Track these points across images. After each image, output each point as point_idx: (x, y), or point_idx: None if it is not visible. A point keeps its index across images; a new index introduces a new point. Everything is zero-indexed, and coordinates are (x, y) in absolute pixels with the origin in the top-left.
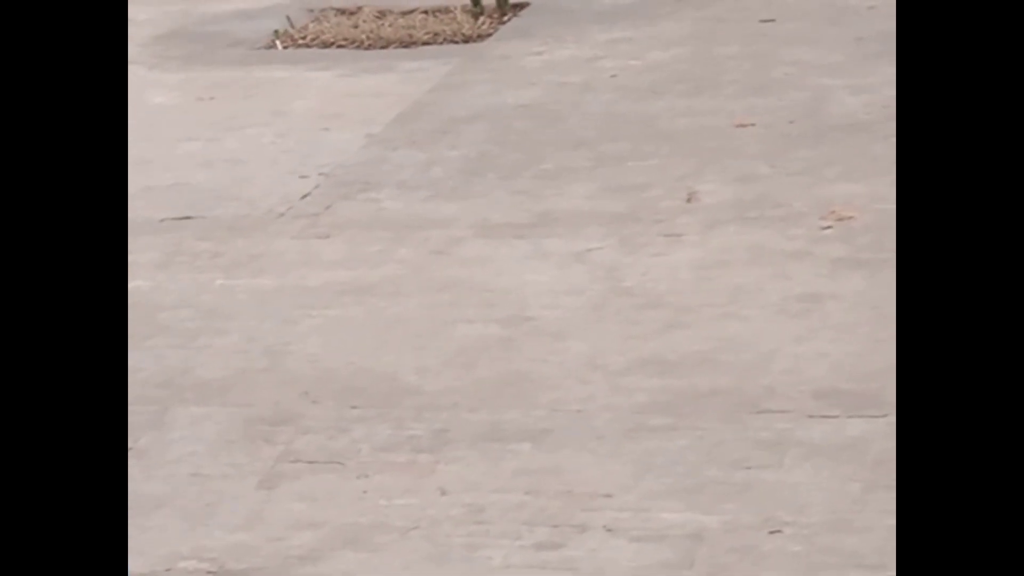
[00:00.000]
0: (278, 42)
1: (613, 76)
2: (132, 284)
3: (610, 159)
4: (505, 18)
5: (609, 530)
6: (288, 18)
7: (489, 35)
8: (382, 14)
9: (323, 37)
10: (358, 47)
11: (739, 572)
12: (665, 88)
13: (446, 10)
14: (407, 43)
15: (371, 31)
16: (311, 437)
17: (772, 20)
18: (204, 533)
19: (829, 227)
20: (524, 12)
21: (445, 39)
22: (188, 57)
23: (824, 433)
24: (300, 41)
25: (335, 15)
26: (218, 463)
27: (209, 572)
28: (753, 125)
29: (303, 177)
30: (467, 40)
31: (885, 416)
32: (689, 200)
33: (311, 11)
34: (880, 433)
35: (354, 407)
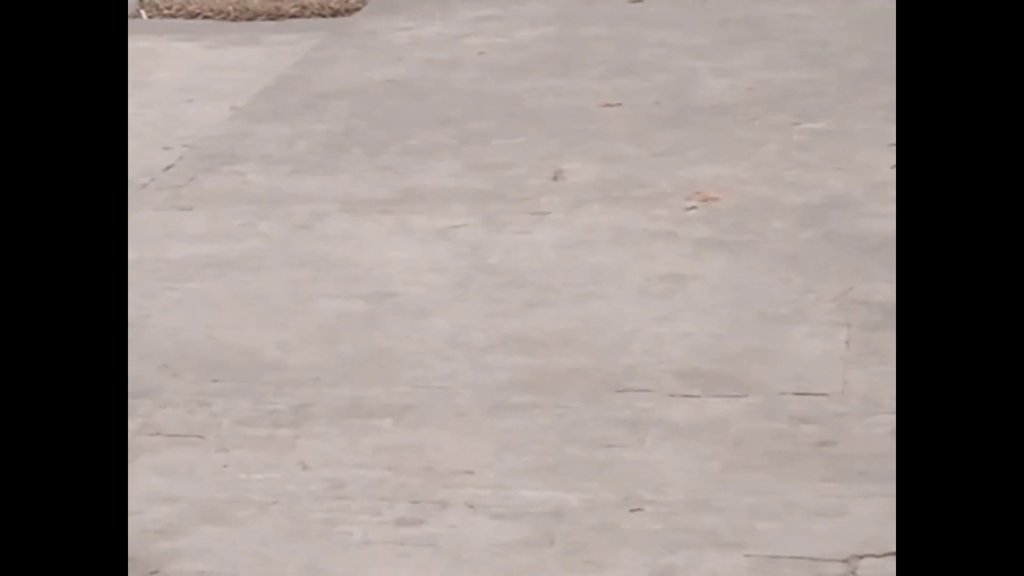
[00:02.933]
0: (143, 11)
1: (480, 54)
2: None
3: (476, 137)
4: None
5: (470, 507)
6: None
7: (357, 9)
8: None
9: (189, 8)
10: (224, 19)
11: (599, 549)
12: (532, 67)
13: None
14: (274, 16)
15: (238, 3)
16: (170, 411)
17: (639, 2)
18: None
19: (693, 208)
20: None
21: (313, 12)
22: None
23: (685, 413)
24: (165, 11)
25: None
26: None
27: None
28: (619, 105)
29: (166, 149)
30: (335, 14)
31: (745, 396)
32: (555, 179)
33: None
34: (740, 413)
35: (215, 381)
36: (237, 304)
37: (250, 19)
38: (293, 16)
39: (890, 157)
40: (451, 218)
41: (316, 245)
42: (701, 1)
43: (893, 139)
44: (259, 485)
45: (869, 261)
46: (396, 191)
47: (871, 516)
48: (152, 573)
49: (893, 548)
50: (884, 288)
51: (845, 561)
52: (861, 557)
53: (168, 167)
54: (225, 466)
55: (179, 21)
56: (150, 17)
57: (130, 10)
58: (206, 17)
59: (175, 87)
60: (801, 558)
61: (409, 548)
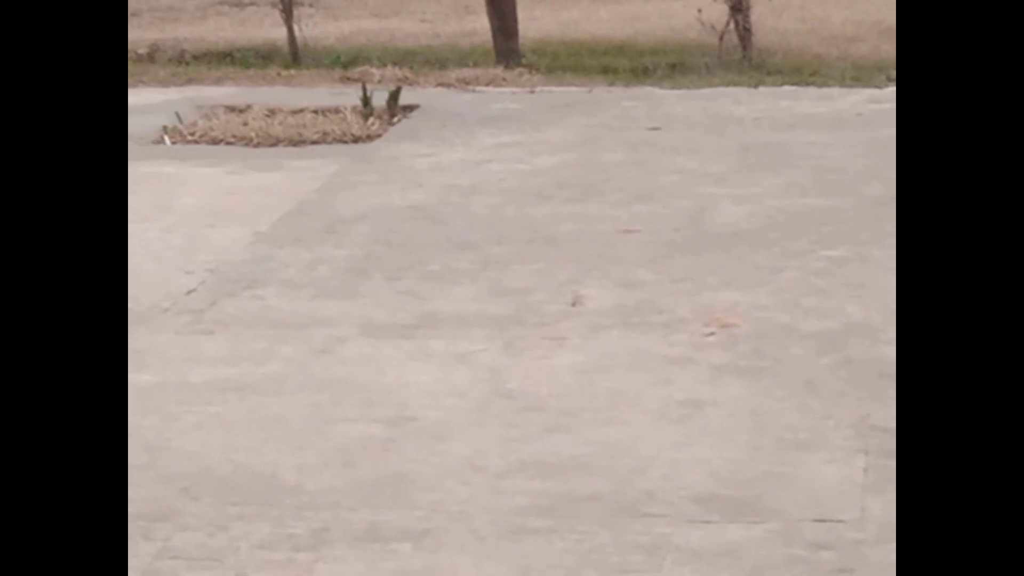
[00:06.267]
0: (166, 137)
1: (500, 180)
2: None
3: (495, 262)
4: (395, 119)
5: None
6: (177, 114)
7: (378, 136)
8: (272, 112)
9: (212, 134)
10: (247, 144)
11: None
12: (551, 193)
13: (336, 110)
14: (296, 142)
15: (260, 129)
16: (190, 534)
17: (658, 128)
18: None
19: (712, 334)
20: (414, 114)
21: (334, 138)
22: None
23: (703, 539)
24: (189, 137)
25: (225, 112)
26: None
27: None
28: (638, 231)
29: (188, 273)
30: (356, 140)
31: (763, 522)
32: (573, 304)
33: (200, 107)
34: (758, 539)
35: (234, 504)
36: (257, 427)
37: (272, 145)
38: (315, 142)
39: None
40: (470, 343)
41: (336, 369)
42: (720, 129)
43: None
44: None
45: (887, 387)
46: (416, 316)
47: None
48: None
49: None
50: None
51: None
52: None
53: (190, 291)
54: None
55: (202, 147)
56: (173, 143)
57: (154, 136)
58: (229, 143)
59: (198, 212)
60: None
61: None
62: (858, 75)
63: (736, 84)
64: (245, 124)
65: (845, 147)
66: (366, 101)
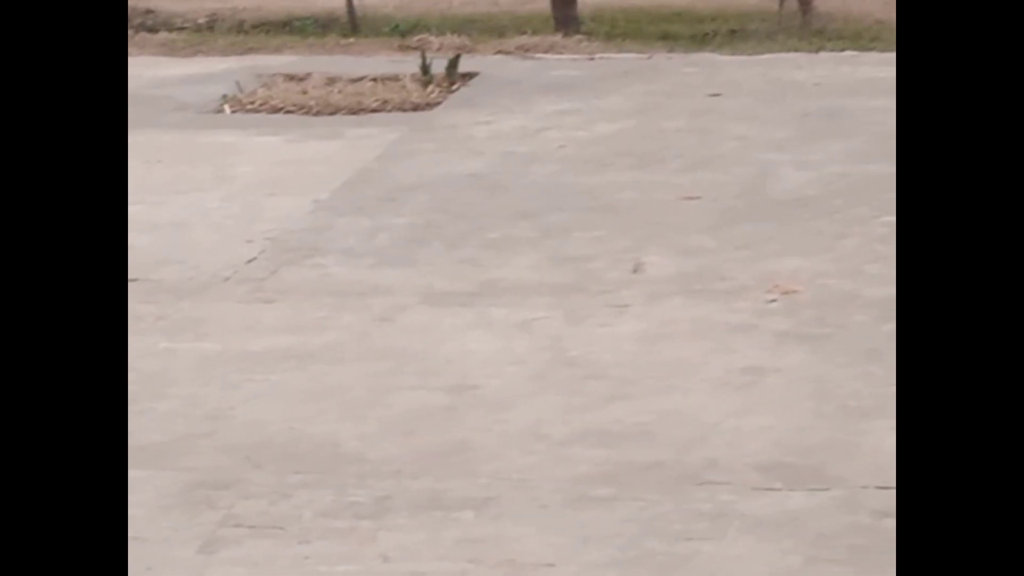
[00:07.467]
0: (226, 107)
1: (560, 147)
2: None
3: (555, 230)
4: (453, 87)
5: None
6: (237, 83)
7: (437, 103)
8: (331, 81)
9: (272, 102)
10: (307, 113)
11: None
12: (611, 160)
13: (395, 78)
14: (356, 110)
15: (320, 97)
16: (253, 502)
17: (718, 95)
18: None
19: (774, 301)
20: (473, 82)
21: (394, 107)
22: (135, 120)
23: (766, 506)
24: (248, 106)
25: (284, 81)
26: (158, 527)
27: None
28: (699, 198)
29: (249, 242)
30: (416, 108)
31: (827, 490)
32: (634, 272)
33: (260, 76)
34: (822, 507)
35: (296, 472)
36: (318, 396)
37: (332, 113)
38: (374, 110)
39: None
40: (531, 311)
41: (396, 338)
42: (780, 95)
43: None
44: None
45: None
46: (476, 284)
47: None
48: None
49: None
50: None
51: None
52: None
53: (250, 260)
54: (306, 558)
55: (261, 115)
56: (233, 112)
57: (214, 105)
58: (288, 112)
59: (257, 181)
60: None
61: None
62: None
63: (796, 50)
64: (304, 93)
65: None
66: (425, 69)
